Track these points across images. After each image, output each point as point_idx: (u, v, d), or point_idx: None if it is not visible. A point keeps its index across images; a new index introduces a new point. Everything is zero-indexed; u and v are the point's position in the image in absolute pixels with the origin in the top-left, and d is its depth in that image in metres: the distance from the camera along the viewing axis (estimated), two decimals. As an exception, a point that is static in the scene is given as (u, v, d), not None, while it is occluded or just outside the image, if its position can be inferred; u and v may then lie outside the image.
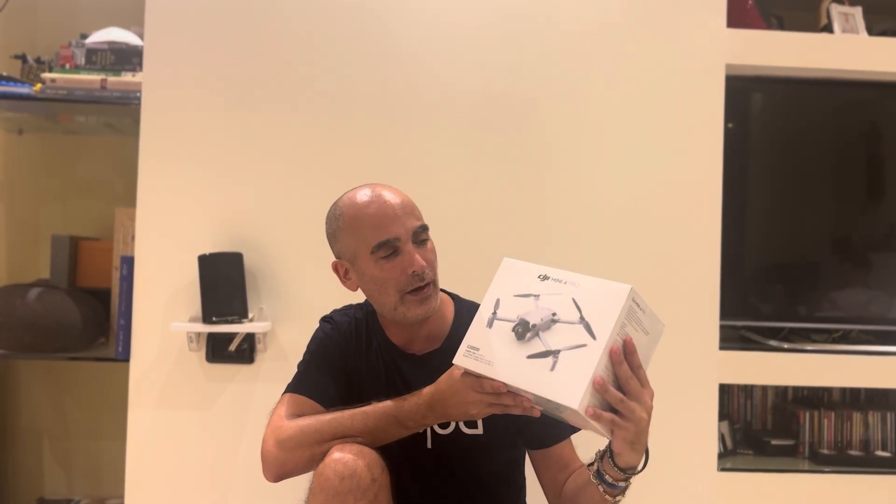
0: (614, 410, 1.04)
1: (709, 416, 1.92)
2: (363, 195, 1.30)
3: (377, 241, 1.25)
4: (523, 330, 1.09)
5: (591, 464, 1.19)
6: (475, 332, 1.13)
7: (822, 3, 2.19)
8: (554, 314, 1.08)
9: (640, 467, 1.13)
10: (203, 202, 1.87)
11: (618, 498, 1.17)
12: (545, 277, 1.13)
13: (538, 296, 1.11)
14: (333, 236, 1.33)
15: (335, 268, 1.36)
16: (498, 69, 1.92)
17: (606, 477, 1.14)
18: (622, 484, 1.14)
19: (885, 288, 2.11)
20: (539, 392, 1.04)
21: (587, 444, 1.27)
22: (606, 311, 1.04)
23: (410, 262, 1.25)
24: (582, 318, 1.06)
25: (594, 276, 1.09)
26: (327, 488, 1.12)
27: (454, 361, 1.14)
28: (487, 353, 1.10)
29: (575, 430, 1.34)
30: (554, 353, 1.05)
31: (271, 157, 1.88)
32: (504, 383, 1.07)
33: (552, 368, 1.04)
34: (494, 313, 1.13)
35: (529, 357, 1.07)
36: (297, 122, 1.89)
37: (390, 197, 1.29)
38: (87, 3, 2.35)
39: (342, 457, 1.14)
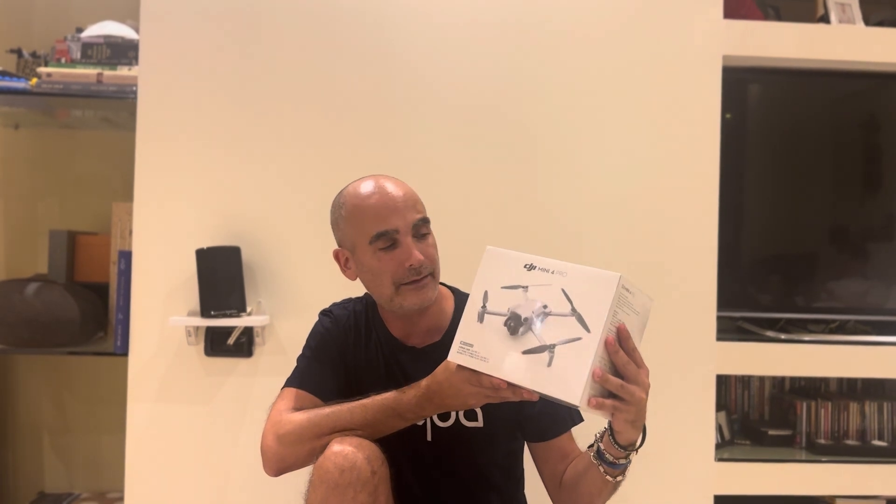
0: (614, 395, 1.04)
1: (706, 406, 1.92)
2: (366, 186, 1.30)
3: (375, 231, 1.26)
4: (515, 324, 1.08)
5: (592, 445, 1.19)
6: (467, 328, 1.13)
7: (819, -7, 2.19)
8: (545, 306, 1.07)
9: (638, 444, 1.13)
10: (200, 196, 1.87)
11: (618, 478, 1.18)
12: (531, 267, 1.12)
13: (526, 287, 1.10)
14: (336, 224, 1.35)
15: (336, 256, 1.37)
16: (494, 62, 1.91)
17: (607, 456, 1.15)
18: (622, 462, 1.15)
19: (881, 278, 2.12)
20: (539, 388, 1.04)
21: (587, 435, 1.28)
22: (598, 302, 1.04)
23: (408, 255, 1.25)
24: (574, 310, 1.05)
25: (578, 264, 1.08)
26: (328, 481, 1.12)
27: (448, 358, 1.13)
28: (481, 349, 1.10)
29: (575, 422, 1.35)
30: (549, 348, 1.05)
31: (269, 152, 1.88)
32: (504, 381, 1.07)
33: (549, 364, 1.04)
34: (484, 307, 1.12)
35: (525, 353, 1.06)
36: (294, 117, 1.88)
37: (392, 189, 1.29)
38: (83, -3, 2.34)
39: (342, 449, 1.14)
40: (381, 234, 1.26)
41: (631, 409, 1.05)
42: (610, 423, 1.12)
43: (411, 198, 1.30)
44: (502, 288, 1.12)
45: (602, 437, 1.17)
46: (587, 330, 1.03)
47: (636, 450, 1.14)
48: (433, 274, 1.30)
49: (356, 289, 1.39)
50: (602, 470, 1.17)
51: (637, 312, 1.08)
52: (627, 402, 1.04)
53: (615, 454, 1.14)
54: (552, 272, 1.09)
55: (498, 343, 1.09)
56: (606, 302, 1.03)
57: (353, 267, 1.33)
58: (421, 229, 1.29)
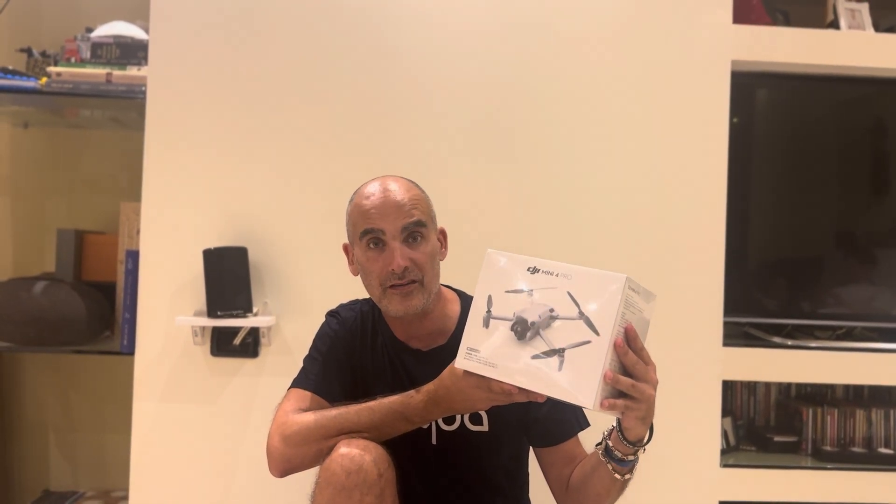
0: (624, 393, 1.04)
1: (712, 412, 1.92)
2: (371, 186, 1.33)
3: (362, 228, 1.29)
4: (523, 329, 1.07)
5: (600, 443, 1.19)
6: (472, 333, 1.12)
7: (829, -1, 2.18)
8: (552, 310, 1.06)
9: (646, 440, 1.13)
10: (208, 196, 1.87)
11: (626, 476, 1.18)
12: (535, 270, 1.10)
13: (531, 291, 1.09)
14: (346, 219, 1.37)
15: (344, 249, 1.39)
16: (503, 66, 1.91)
17: (616, 453, 1.15)
18: (631, 458, 1.15)
19: (889, 284, 2.11)
20: (550, 393, 1.04)
21: (593, 437, 1.28)
22: (605, 305, 1.03)
23: (391, 259, 1.27)
24: (581, 314, 1.04)
25: (583, 266, 1.08)
26: (334, 482, 1.13)
27: (455, 365, 1.13)
28: (489, 354, 1.09)
29: (581, 427, 1.34)
30: (559, 352, 1.04)
31: (277, 152, 1.88)
32: (516, 386, 1.07)
33: (559, 368, 1.03)
34: (489, 311, 1.11)
35: (534, 357, 1.06)
36: (302, 117, 1.89)
37: (393, 191, 1.30)
38: (92, -4, 2.35)
39: (349, 452, 1.14)
40: (367, 231, 1.29)
41: (641, 407, 1.06)
42: (619, 420, 1.11)
43: (409, 201, 1.30)
44: (506, 292, 1.11)
45: (610, 434, 1.17)
46: (596, 333, 1.03)
47: (644, 446, 1.14)
48: (422, 282, 1.29)
49: (362, 290, 1.39)
50: (611, 468, 1.16)
51: (642, 310, 1.08)
52: (638, 401, 1.05)
53: (624, 451, 1.14)
54: (556, 275, 1.08)
55: (505, 348, 1.08)
56: (614, 304, 1.03)
57: (355, 262, 1.36)
58: (414, 233, 1.29)
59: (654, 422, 1.12)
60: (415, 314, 1.30)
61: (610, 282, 1.04)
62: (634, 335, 1.05)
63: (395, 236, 1.28)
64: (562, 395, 1.03)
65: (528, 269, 1.11)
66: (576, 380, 1.02)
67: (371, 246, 1.29)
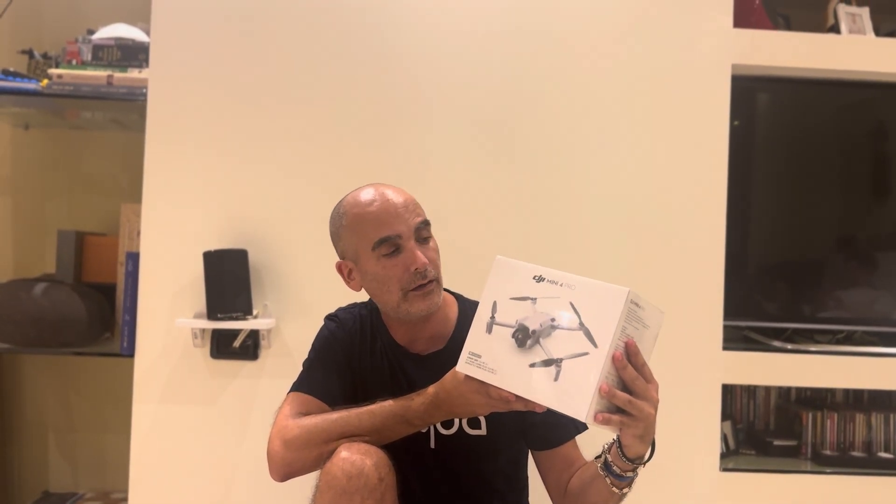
0: (622, 409, 1.04)
1: (711, 416, 1.92)
2: (366, 194, 1.30)
3: (378, 237, 1.26)
4: (523, 336, 1.08)
5: (599, 456, 1.19)
6: (475, 338, 1.12)
7: (830, 3, 2.18)
8: (553, 319, 1.07)
9: (647, 457, 1.13)
10: (208, 198, 1.88)
11: (624, 490, 1.17)
12: (540, 279, 1.11)
13: (535, 299, 1.09)
14: (337, 235, 1.34)
15: (339, 268, 1.36)
16: (504, 69, 1.92)
17: (615, 468, 1.14)
18: (630, 474, 1.14)
19: (889, 288, 2.11)
20: (545, 402, 1.04)
21: (595, 445, 1.28)
22: (606, 317, 1.03)
23: (412, 259, 1.26)
24: (581, 325, 1.04)
25: (589, 277, 1.07)
26: (335, 486, 1.12)
27: (457, 368, 1.13)
28: (489, 360, 1.09)
29: (579, 430, 1.34)
30: (556, 362, 1.04)
31: (277, 154, 1.88)
32: (513, 394, 1.07)
33: (556, 378, 1.03)
34: (493, 317, 1.12)
35: (532, 366, 1.06)
36: (302, 120, 1.89)
37: (393, 195, 1.30)
38: (94, -2, 2.36)
39: (350, 456, 1.14)
40: (384, 239, 1.26)
41: (639, 425, 1.04)
42: (618, 436, 1.11)
43: (412, 203, 1.30)
44: (511, 299, 1.12)
45: (610, 448, 1.16)
46: (594, 345, 1.02)
47: (644, 463, 1.13)
48: (437, 279, 1.30)
49: (362, 293, 1.39)
50: (609, 482, 1.16)
51: (647, 326, 1.07)
52: (635, 418, 1.04)
53: (622, 467, 1.14)
54: (561, 285, 1.08)
55: (506, 355, 1.08)
56: (614, 317, 1.02)
57: (358, 277, 1.33)
58: (423, 233, 1.30)
59: (655, 428, 1.11)
60: (429, 314, 1.30)
61: (612, 294, 1.03)
62: (635, 351, 1.04)
63: (409, 237, 1.27)
64: (556, 406, 1.03)
65: (534, 278, 1.11)
66: (570, 391, 1.02)
67: (387, 253, 1.27)
